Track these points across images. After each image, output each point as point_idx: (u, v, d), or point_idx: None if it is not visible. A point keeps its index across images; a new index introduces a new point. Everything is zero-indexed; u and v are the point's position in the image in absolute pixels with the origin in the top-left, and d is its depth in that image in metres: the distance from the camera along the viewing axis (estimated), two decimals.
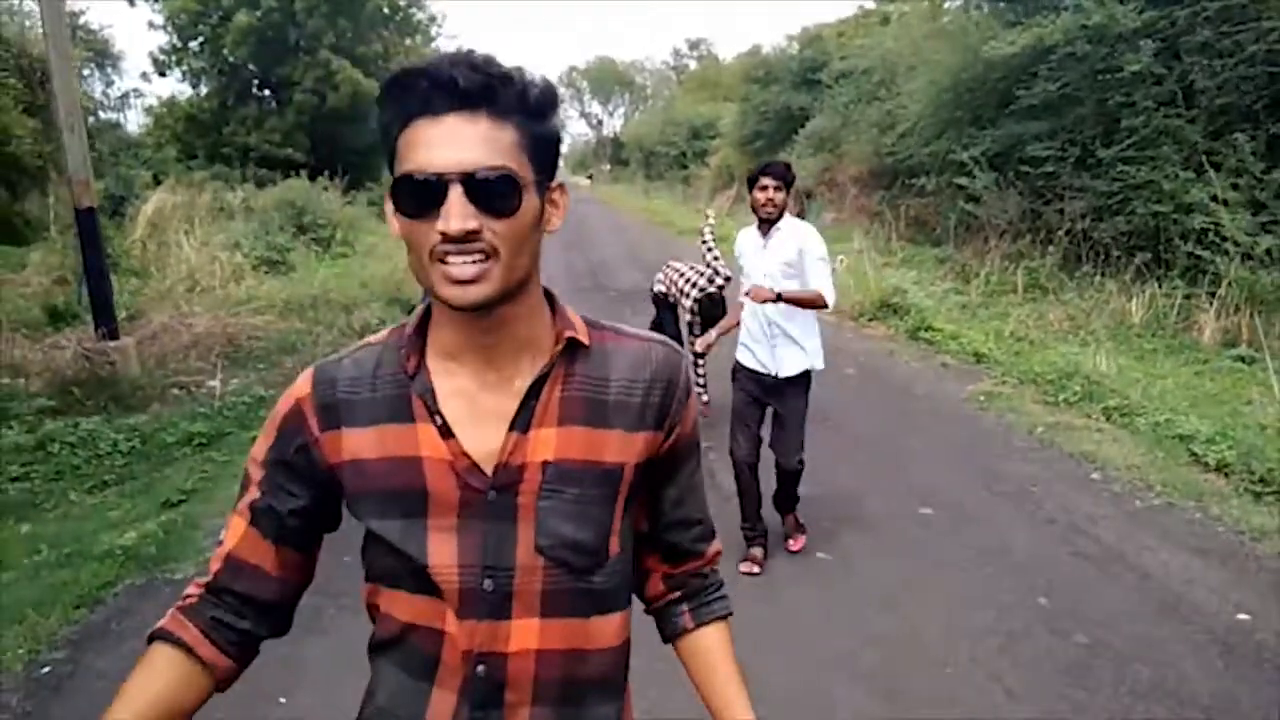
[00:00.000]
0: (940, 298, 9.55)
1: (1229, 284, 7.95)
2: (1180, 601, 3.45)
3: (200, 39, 21.94)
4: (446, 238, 0.90)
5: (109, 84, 30.98)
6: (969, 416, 6.01)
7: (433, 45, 27.69)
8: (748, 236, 3.91)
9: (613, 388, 1.05)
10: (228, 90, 22.12)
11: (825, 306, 3.68)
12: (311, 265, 13.48)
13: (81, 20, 26.53)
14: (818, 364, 3.85)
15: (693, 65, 52.69)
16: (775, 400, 3.86)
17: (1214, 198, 8.62)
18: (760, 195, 3.70)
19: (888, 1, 22.75)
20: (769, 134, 22.33)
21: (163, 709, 1.00)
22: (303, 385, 1.06)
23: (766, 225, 3.76)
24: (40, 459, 5.40)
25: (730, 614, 1.21)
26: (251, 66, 22.03)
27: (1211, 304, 8.05)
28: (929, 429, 5.73)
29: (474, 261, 0.92)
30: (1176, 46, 9.68)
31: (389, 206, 0.96)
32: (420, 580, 1.00)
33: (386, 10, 23.52)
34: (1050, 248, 10.10)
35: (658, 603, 1.21)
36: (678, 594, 1.20)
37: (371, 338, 1.09)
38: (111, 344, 7.03)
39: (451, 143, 0.91)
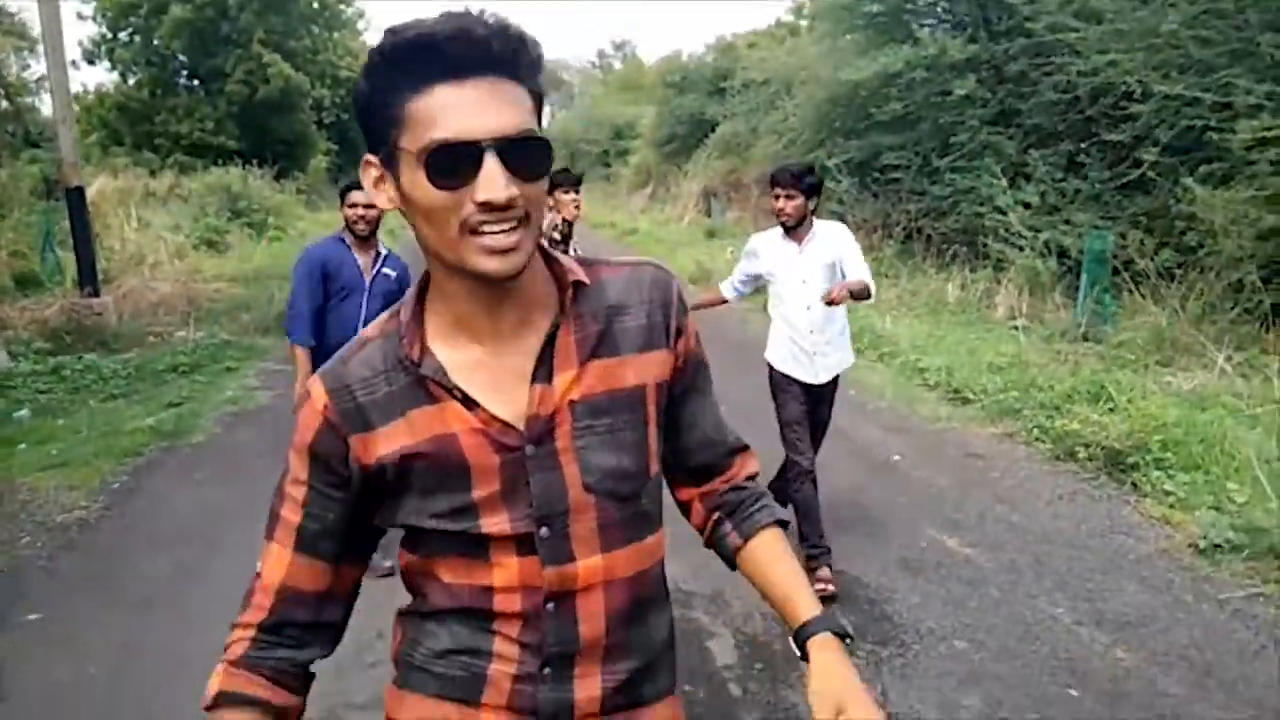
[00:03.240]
0: None
1: (1016, 270, 10.23)
2: (865, 452, 5.52)
3: (130, 30, 23.13)
4: (489, 207, 0.91)
5: (25, 68, 31.72)
6: None
7: (360, 40, 29.26)
8: (770, 242, 3.86)
9: (615, 316, 1.09)
10: (158, 80, 23.38)
11: (869, 296, 3.71)
12: (247, 246, 15.08)
13: None
14: (850, 360, 4.04)
15: (617, 65, 54.84)
16: (813, 404, 3.94)
17: (1022, 203, 10.91)
18: (775, 204, 3.71)
19: (799, 16, 25.24)
20: (683, 136, 24.43)
21: None
22: (318, 398, 1.05)
23: (796, 231, 3.74)
24: (56, 381, 7.10)
25: (779, 521, 1.23)
26: (182, 57, 23.34)
27: (1004, 287, 10.32)
28: (755, 371, 7.76)
29: (510, 229, 0.93)
30: (1002, 74, 12.03)
31: (371, 174, 0.99)
32: (474, 545, 1.05)
33: (316, 6, 25.00)
34: (890, 240, 12.37)
35: (705, 531, 1.24)
36: (718, 514, 1.22)
37: (366, 332, 1.10)
38: (95, 300, 8.69)
39: (483, 109, 0.90)
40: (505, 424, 1.03)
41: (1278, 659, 3.24)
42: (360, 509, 1.08)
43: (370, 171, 0.99)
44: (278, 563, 1.07)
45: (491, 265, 0.94)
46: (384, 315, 1.10)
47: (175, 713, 2.84)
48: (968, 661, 3.21)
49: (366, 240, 3.92)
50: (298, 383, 3.70)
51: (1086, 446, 5.17)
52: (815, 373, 3.85)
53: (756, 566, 1.18)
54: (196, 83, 23.95)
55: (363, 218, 3.85)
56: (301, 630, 1.08)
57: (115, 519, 4.63)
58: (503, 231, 0.93)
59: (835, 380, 3.95)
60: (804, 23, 22.17)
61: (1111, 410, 5.46)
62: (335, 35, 26.47)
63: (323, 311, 3.86)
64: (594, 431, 1.06)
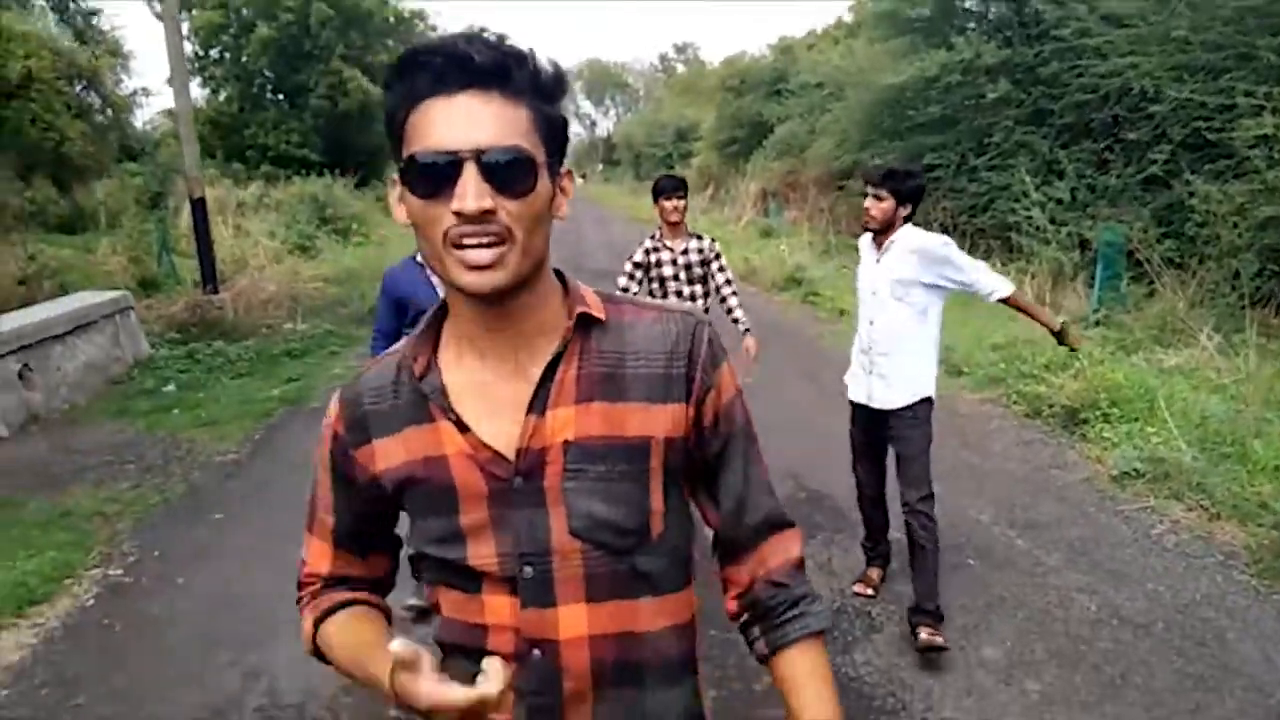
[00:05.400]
0: (839, 274, 12.79)
1: (1041, 263, 11.18)
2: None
3: (221, 48, 25.22)
4: (462, 217, 0.93)
5: (118, 83, 34.33)
6: (815, 343, 9.22)
7: None
8: (864, 246, 3.67)
9: (630, 360, 1.06)
10: (246, 96, 25.44)
11: (1008, 296, 3.54)
12: (335, 251, 16.72)
13: (94, 20, 29.91)
14: (925, 391, 3.54)
15: (680, 68, 56.07)
16: (889, 432, 3.65)
17: (1055, 199, 11.83)
18: (867, 204, 3.46)
19: (858, 18, 26.14)
20: (743, 139, 25.58)
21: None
22: (333, 409, 1.14)
23: (880, 237, 3.49)
24: (192, 364, 8.62)
25: (815, 630, 1.15)
26: (268, 73, 25.35)
27: (1032, 278, 11.27)
28: (794, 352, 8.91)
29: (490, 244, 0.94)
30: (1036, 76, 12.92)
31: (394, 193, 1.01)
32: (464, 576, 1.07)
33: (392, 21, 26.84)
34: None
35: (736, 623, 1.19)
36: (748, 614, 1.17)
37: (396, 345, 1.14)
38: (215, 297, 10.26)
39: (465, 121, 0.93)
40: (496, 453, 1.04)
41: (1141, 547, 4.34)
42: (379, 513, 1.18)
43: (393, 189, 1.02)
44: (320, 555, 1.21)
45: (468, 279, 0.96)
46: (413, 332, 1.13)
47: (287, 578, 4.20)
48: (898, 544, 4.36)
49: None
50: None
51: (1050, 406, 6.26)
52: (870, 393, 3.61)
53: (781, 684, 1.15)
54: (282, 97, 25.96)
55: None
56: (347, 582, 1.23)
57: (260, 458, 6.05)
58: (481, 245, 0.94)
59: (912, 410, 3.54)
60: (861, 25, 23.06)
61: (1075, 377, 6.51)
62: None
63: (402, 333, 3.59)
64: (586, 476, 1.04)
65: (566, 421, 1.04)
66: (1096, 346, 8.10)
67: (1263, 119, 8.84)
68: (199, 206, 10.30)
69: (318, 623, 1.17)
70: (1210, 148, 9.97)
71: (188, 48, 25.92)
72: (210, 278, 10.33)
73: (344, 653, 1.13)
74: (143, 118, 32.54)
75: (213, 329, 9.87)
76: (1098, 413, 5.95)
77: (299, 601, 1.22)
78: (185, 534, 4.76)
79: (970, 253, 12.03)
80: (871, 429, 3.73)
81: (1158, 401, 5.79)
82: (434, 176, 0.94)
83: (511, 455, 1.04)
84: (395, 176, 1.01)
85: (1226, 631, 3.60)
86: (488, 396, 1.06)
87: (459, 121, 0.94)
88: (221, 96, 26.06)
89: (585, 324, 1.07)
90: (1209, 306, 8.87)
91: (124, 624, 3.82)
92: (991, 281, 3.53)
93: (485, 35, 0.98)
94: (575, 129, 78.98)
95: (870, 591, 3.91)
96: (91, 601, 4.03)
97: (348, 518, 1.17)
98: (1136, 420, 5.76)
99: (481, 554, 1.05)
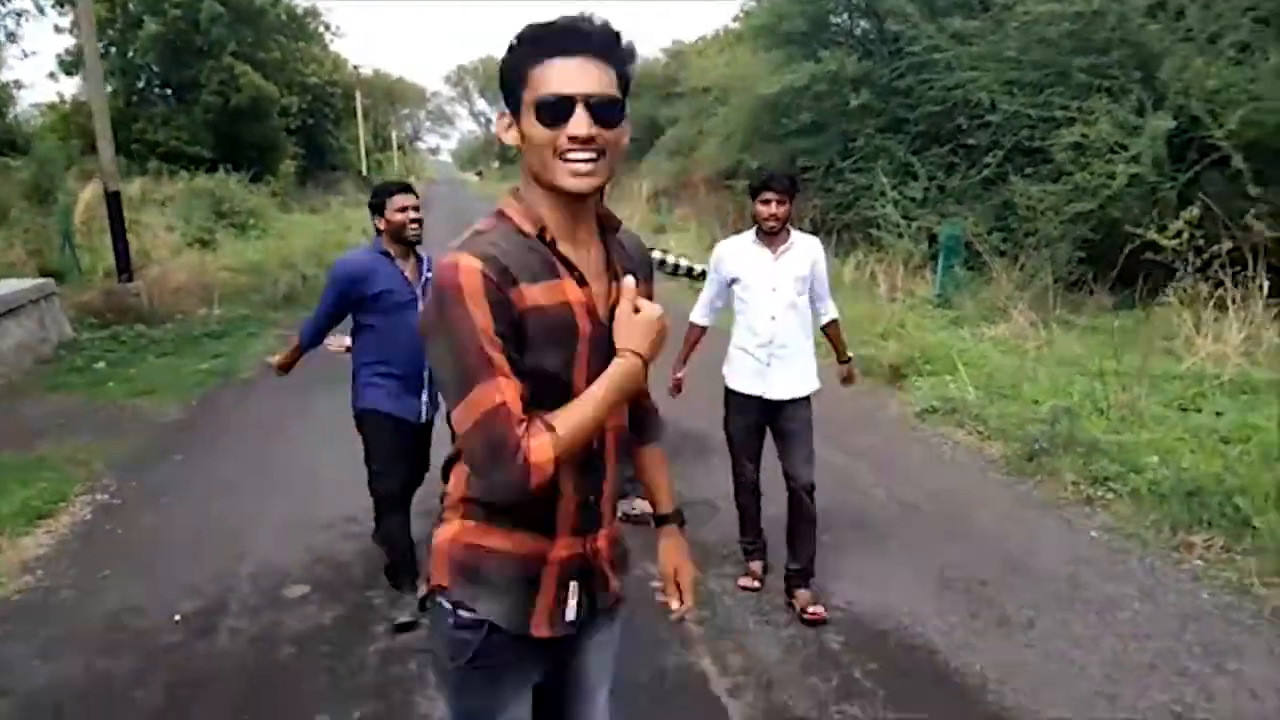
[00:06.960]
0: None
1: (895, 254, 12.79)
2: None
3: (106, 42, 25.22)
4: (574, 140, 1.41)
5: None
6: None
7: (328, 47, 31.59)
8: (740, 247, 3.89)
9: (628, 254, 1.67)
10: (132, 90, 25.51)
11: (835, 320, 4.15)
12: (234, 244, 17.32)
13: None
14: (816, 380, 4.01)
15: None
16: (779, 419, 3.96)
17: (909, 198, 13.45)
18: (764, 209, 3.70)
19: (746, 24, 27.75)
20: (636, 140, 26.59)
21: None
22: (471, 263, 1.43)
23: (773, 238, 3.78)
24: (116, 345, 9.39)
25: (659, 436, 1.90)
26: (155, 69, 25.47)
27: (887, 268, 12.87)
28: (679, 331, 10.20)
29: (590, 160, 1.43)
30: (894, 88, 14.56)
31: (503, 121, 1.52)
32: (565, 392, 1.50)
33: (285, 18, 27.26)
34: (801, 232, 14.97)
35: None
36: (638, 418, 1.83)
37: (475, 228, 1.53)
38: (130, 285, 10.97)
39: (582, 76, 1.42)
40: (594, 305, 1.54)
41: (927, 460, 5.76)
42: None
43: (503, 120, 1.52)
44: (515, 392, 1.43)
45: (572, 183, 1.44)
46: (480, 222, 1.54)
47: (255, 499, 5.26)
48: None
49: (412, 246, 3.72)
50: (278, 354, 4.01)
51: (879, 365, 7.70)
52: (773, 384, 3.87)
53: (641, 461, 1.89)
54: (170, 93, 26.10)
55: (417, 220, 3.68)
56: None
57: (204, 418, 7.01)
58: (584, 160, 1.43)
59: (806, 399, 3.96)
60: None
61: (899, 342, 7.98)
62: (302, 45, 28.75)
63: (347, 326, 3.79)
64: None
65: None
66: (933, 321, 9.68)
67: (1074, 129, 10.55)
68: (114, 199, 11.00)
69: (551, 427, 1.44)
70: (1035, 153, 11.70)
71: (69, 41, 25.86)
72: (125, 267, 11.04)
73: (580, 416, 1.47)
74: (12, 112, 32.02)
75: (129, 315, 10.59)
76: (914, 369, 7.41)
77: (516, 443, 1.40)
78: (155, 471, 5.72)
79: (837, 245, 13.70)
80: (761, 420, 3.99)
81: (957, 360, 7.28)
82: (557, 110, 1.42)
83: (601, 310, 1.55)
84: (505, 111, 1.52)
85: (975, 508, 5.02)
86: (581, 266, 1.53)
87: (577, 76, 1.42)
88: (107, 90, 26.02)
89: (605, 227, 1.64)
90: (1029, 289, 10.54)
91: (125, 529, 4.82)
92: (832, 303, 4.07)
93: (594, 18, 1.47)
94: (471, 127, 79.39)
95: (757, 584, 4.07)
96: (90, 516, 5.00)
97: (512, 353, 1.45)
98: (941, 374, 7.24)
99: (581, 374, 1.52)
